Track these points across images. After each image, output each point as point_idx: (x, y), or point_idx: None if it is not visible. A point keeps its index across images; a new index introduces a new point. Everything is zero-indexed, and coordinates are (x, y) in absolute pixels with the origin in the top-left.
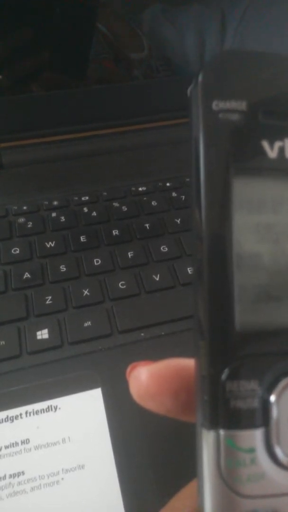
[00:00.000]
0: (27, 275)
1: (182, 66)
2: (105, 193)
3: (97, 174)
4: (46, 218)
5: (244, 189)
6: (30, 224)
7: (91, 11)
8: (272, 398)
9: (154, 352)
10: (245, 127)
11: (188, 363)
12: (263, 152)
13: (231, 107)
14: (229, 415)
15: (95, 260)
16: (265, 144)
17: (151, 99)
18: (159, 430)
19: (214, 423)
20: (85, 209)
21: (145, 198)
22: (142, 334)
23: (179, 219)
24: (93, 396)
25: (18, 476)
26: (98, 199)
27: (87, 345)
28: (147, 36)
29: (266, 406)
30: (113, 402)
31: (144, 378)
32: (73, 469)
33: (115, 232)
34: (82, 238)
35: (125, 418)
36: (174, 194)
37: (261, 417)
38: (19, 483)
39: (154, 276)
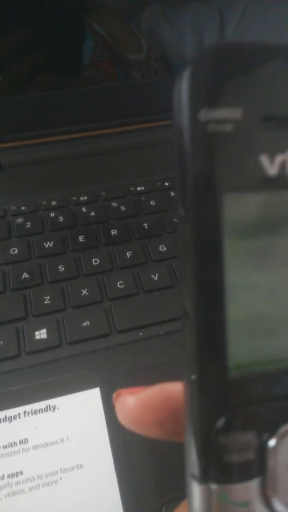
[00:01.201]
0: (25, 275)
1: (181, 67)
2: (103, 193)
3: (95, 174)
4: (44, 218)
5: (239, 212)
6: (28, 224)
7: (85, 11)
8: (271, 446)
9: (152, 351)
10: (240, 139)
11: (175, 390)
12: (261, 168)
13: (223, 116)
14: (222, 469)
15: (93, 260)
16: (264, 159)
17: (149, 99)
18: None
19: (205, 477)
20: (84, 209)
21: (143, 198)
22: (141, 333)
23: None
24: (92, 396)
25: (16, 476)
26: (96, 199)
27: (85, 345)
28: (146, 37)
29: (262, 455)
30: (111, 401)
31: (130, 406)
32: (71, 468)
33: (113, 232)
34: (81, 238)
35: None
36: (172, 193)
37: (256, 467)
38: (17, 483)
39: (152, 275)
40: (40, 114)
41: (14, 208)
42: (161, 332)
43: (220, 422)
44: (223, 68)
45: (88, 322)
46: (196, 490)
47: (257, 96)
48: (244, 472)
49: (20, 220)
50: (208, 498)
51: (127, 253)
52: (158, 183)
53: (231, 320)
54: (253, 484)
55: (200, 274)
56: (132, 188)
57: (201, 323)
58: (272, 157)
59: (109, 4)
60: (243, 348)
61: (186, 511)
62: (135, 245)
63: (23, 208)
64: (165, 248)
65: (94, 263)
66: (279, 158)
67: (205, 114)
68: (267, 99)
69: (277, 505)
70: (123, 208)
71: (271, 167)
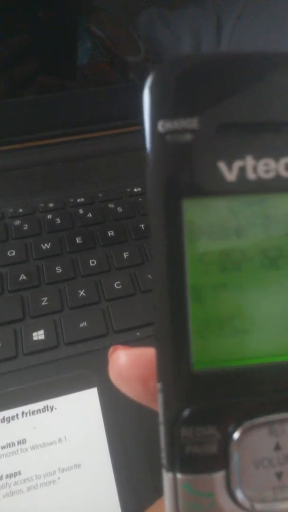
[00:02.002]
0: (23, 276)
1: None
2: (100, 195)
3: (92, 176)
4: (42, 220)
5: (201, 217)
6: (26, 226)
7: (83, 13)
8: (234, 440)
9: None
10: (198, 148)
11: None
12: (220, 175)
13: (180, 127)
14: (184, 460)
15: (90, 261)
16: (222, 166)
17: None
18: (156, 429)
19: (170, 466)
20: (81, 211)
21: (140, 199)
22: (138, 333)
23: None
24: (89, 396)
25: (14, 476)
26: (93, 201)
27: (83, 345)
28: (143, 39)
29: (226, 449)
30: (109, 401)
31: (121, 361)
32: (69, 468)
33: (110, 233)
34: (78, 240)
35: (121, 417)
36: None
37: (221, 460)
38: (16, 483)
39: (149, 276)
40: (37, 117)
41: (11, 210)
42: None
43: (184, 415)
44: (178, 81)
45: (85, 323)
46: (165, 478)
47: (212, 106)
48: (207, 464)
49: (17, 222)
50: (174, 486)
51: (124, 253)
52: None
53: (195, 319)
54: (217, 476)
55: (165, 275)
56: (129, 190)
57: (167, 322)
58: (230, 164)
59: (107, 7)
60: (207, 346)
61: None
62: (132, 245)
63: (20, 210)
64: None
65: (91, 264)
66: (237, 164)
67: (163, 126)
68: (222, 108)
69: (241, 497)
70: (120, 209)
71: (229, 173)
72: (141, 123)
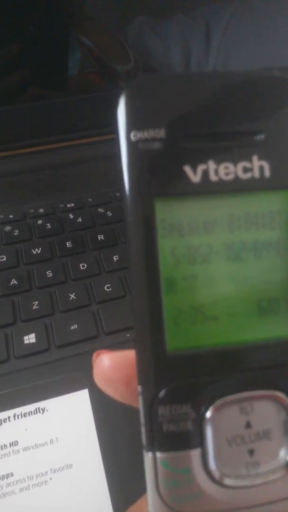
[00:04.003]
0: (13, 281)
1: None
2: (90, 200)
3: (82, 182)
4: (32, 226)
5: (171, 215)
6: (16, 232)
7: (73, 23)
8: (207, 418)
9: None
10: (166, 154)
11: None
12: (186, 178)
13: (150, 136)
14: (162, 438)
15: (81, 265)
16: (188, 169)
17: None
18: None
19: (150, 445)
20: (71, 216)
21: None
22: (128, 335)
23: None
24: (80, 397)
25: (7, 477)
26: (83, 206)
27: (74, 347)
28: (133, 48)
29: (201, 427)
30: (100, 402)
31: (104, 365)
32: (61, 469)
33: (100, 237)
34: (68, 244)
35: (112, 417)
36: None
37: (196, 437)
38: (8, 485)
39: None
40: (26, 124)
41: (1, 216)
42: None
43: (161, 394)
44: (147, 98)
45: (76, 326)
46: (145, 459)
47: (177, 118)
48: (184, 442)
49: (8, 228)
50: (154, 465)
51: (114, 257)
52: None
53: (168, 307)
54: (194, 453)
55: (140, 268)
56: (118, 194)
57: (143, 310)
58: (194, 167)
59: (96, 16)
60: (180, 331)
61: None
62: (121, 249)
63: (11, 216)
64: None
65: (81, 268)
66: (200, 168)
67: (135, 135)
68: (185, 120)
69: (216, 473)
70: (109, 213)
71: (194, 175)
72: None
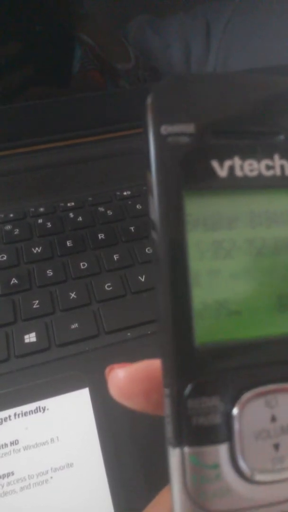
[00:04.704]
0: (14, 280)
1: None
2: (90, 199)
3: (82, 181)
4: (32, 225)
5: (197, 209)
6: (17, 231)
7: (74, 21)
8: (235, 412)
9: (140, 351)
10: (194, 149)
11: (158, 364)
12: (213, 172)
13: (179, 131)
14: (191, 432)
15: (81, 264)
16: (215, 164)
17: (133, 106)
18: (147, 428)
19: (178, 441)
20: (71, 215)
21: (130, 202)
22: (129, 334)
23: None
24: (81, 396)
25: (8, 476)
26: (83, 205)
27: (74, 346)
28: (133, 47)
29: (229, 420)
30: (100, 401)
31: (120, 380)
32: (61, 467)
33: (101, 236)
34: (69, 243)
35: (112, 416)
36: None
37: (224, 432)
38: (9, 484)
39: (139, 277)
40: (26, 123)
41: (2, 216)
42: (149, 332)
43: (190, 387)
44: (177, 93)
45: (76, 324)
46: (172, 455)
47: (205, 115)
48: (212, 436)
49: (8, 227)
50: (181, 461)
51: (114, 256)
52: (144, 187)
53: (196, 301)
54: (222, 448)
55: (168, 262)
56: (118, 193)
57: (171, 304)
58: (221, 162)
59: (97, 15)
60: (206, 324)
61: (167, 499)
62: (122, 248)
63: (11, 215)
64: (151, 250)
65: (82, 267)
66: (227, 163)
67: (165, 129)
68: (213, 117)
69: (245, 468)
70: (110, 212)
71: (221, 170)
72: (137, 127)
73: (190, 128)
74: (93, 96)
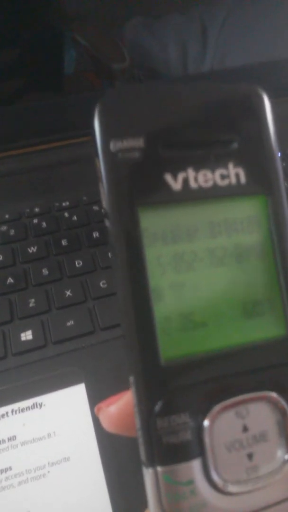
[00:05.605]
0: (10, 280)
1: (165, 75)
2: (85, 198)
3: (77, 181)
4: (28, 225)
5: (154, 223)
6: (12, 232)
7: (67, 22)
8: (205, 426)
9: None
10: (146, 163)
11: None
12: (167, 186)
13: (129, 146)
14: (163, 451)
15: (76, 262)
16: (169, 177)
17: None
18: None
19: (150, 461)
20: (66, 214)
21: None
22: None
23: None
24: (77, 392)
25: (5, 471)
26: (78, 204)
27: (70, 343)
28: (129, 49)
29: (200, 435)
30: (96, 396)
31: (111, 416)
32: (58, 462)
33: (95, 234)
34: (64, 242)
35: None
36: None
37: (196, 447)
38: (7, 478)
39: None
40: (19, 125)
41: None
42: None
43: (158, 407)
44: (123, 107)
45: (72, 322)
46: (145, 476)
47: (155, 128)
48: (185, 452)
49: (4, 228)
50: (155, 480)
51: (109, 253)
52: None
53: (158, 317)
54: (195, 463)
55: (127, 279)
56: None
57: (133, 322)
58: (175, 176)
59: (91, 16)
60: (171, 340)
61: None
62: None
63: (6, 216)
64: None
65: (77, 265)
66: (180, 176)
67: (114, 145)
68: (163, 130)
69: (218, 481)
70: (104, 211)
71: (175, 183)
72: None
73: (139, 142)
74: (87, 96)
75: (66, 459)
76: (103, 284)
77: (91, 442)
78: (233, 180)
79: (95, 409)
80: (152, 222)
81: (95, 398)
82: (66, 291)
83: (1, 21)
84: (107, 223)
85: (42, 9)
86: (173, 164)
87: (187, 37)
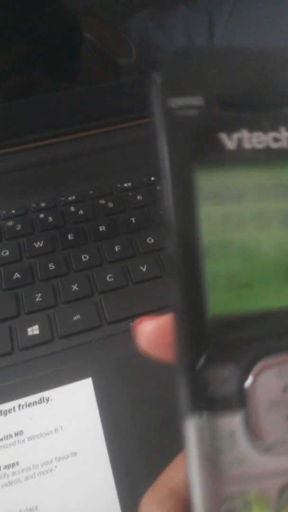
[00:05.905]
0: (17, 275)
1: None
2: (91, 192)
3: (82, 175)
4: (34, 220)
5: (207, 182)
6: (19, 227)
7: (72, 17)
8: (249, 381)
9: None
10: (203, 122)
11: None
12: (222, 144)
13: (188, 103)
14: (207, 402)
15: (83, 256)
16: (224, 136)
17: (132, 98)
18: (150, 416)
19: (193, 411)
20: (72, 208)
21: (130, 194)
22: (131, 323)
23: None
24: (84, 386)
25: (12, 466)
26: (84, 198)
27: (77, 337)
28: (135, 40)
29: (243, 389)
30: (103, 390)
31: (149, 330)
32: (65, 457)
33: (102, 228)
34: (70, 236)
35: (115, 405)
36: (158, 187)
37: (239, 401)
38: (14, 473)
39: (141, 267)
40: (25, 120)
41: (4, 212)
42: None
43: (204, 357)
44: (185, 66)
45: (79, 316)
46: (187, 425)
47: (213, 88)
48: (227, 405)
49: (10, 223)
50: (198, 430)
51: (116, 247)
52: (145, 178)
53: (209, 273)
54: (237, 417)
55: (180, 236)
56: (119, 185)
57: (184, 277)
58: (230, 135)
59: (98, 10)
60: (218, 296)
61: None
62: (123, 239)
63: (13, 211)
64: (152, 240)
65: (83, 259)
66: (235, 136)
67: (174, 102)
68: (221, 90)
69: (258, 438)
70: (110, 204)
71: (230, 143)
72: (135, 119)
73: (198, 100)
74: (91, 89)
75: (73, 454)
76: (109, 278)
77: (98, 437)
78: (285, 144)
79: (136, 321)
80: (206, 180)
81: (102, 392)
82: (72, 286)
83: (11, 17)
84: (161, 179)
85: (50, 4)
86: (229, 124)
87: (194, 29)
